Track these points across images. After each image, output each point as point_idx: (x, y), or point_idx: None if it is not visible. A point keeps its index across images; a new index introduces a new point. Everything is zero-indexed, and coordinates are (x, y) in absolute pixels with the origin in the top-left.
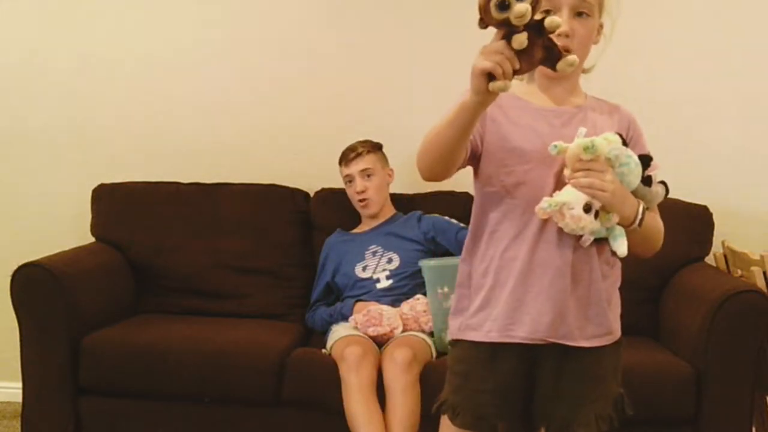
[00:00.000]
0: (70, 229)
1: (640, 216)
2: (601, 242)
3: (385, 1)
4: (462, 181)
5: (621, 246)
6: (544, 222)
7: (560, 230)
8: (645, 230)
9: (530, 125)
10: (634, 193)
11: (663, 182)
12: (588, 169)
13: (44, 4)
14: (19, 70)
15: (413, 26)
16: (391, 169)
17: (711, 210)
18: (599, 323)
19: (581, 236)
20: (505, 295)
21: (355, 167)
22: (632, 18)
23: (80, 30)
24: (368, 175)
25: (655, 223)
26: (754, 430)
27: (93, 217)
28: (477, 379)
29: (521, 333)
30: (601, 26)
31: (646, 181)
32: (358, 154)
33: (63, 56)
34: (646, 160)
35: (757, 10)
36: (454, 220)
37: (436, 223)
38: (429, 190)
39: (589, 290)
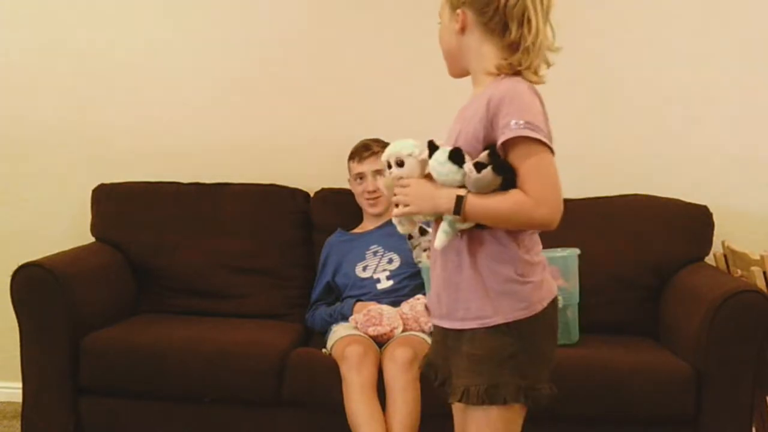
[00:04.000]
0: (70, 229)
1: (453, 207)
2: (472, 231)
3: (386, 1)
4: None
5: (436, 240)
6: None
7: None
8: (484, 213)
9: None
10: (472, 184)
11: (490, 163)
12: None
13: (44, 4)
14: (19, 70)
15: (415, 26)
16: None
17: (711, 210)
18: (467, 308)
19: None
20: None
21: (369, 166)
22: (632, 16)
23: (80, 30)
24: (381, 175)
25: (494, 203)
26: (754, 430)
27: (93, 217)
28: None
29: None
30: (459, 14)
31: (479, 167)
32: (374, 153)
33: (63, 56)
34: (453, 153)
35: (758, 9)
36: None
37: None
38: None
39: (457, 276)
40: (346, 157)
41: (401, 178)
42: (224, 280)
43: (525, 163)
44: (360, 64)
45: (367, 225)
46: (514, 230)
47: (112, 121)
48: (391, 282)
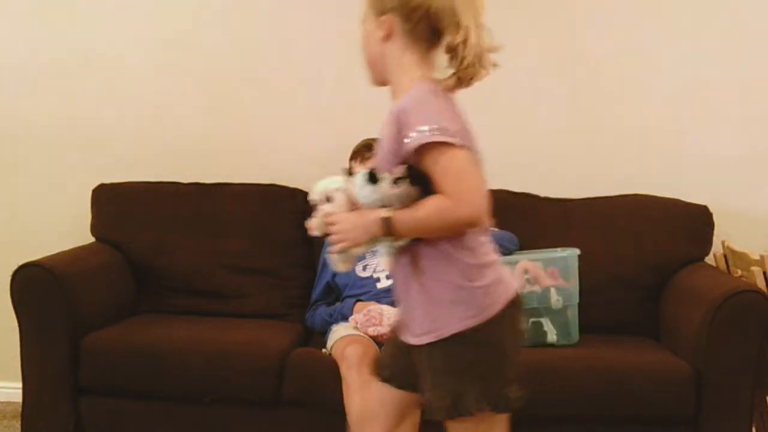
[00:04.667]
0: (70, 229)
1: (382, 229)
2: (411, 245)
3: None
4: None
5: (384, 265)
6: None
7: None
8: (414, 226)
9: None
10: (391, 201)
11: (407, 176)
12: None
13: (44, 4)
14: (19, 69)
15: None
16: None
17: (711, 210)
18: (421, 322)
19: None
20: None
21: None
22: (632, 16)
23: (80, 30)
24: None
25: (419, 214)
26: (754, 430)
27: (93, 217)
28: None
29: None
30: (385, 20)
31: (397, 182)
32: (376, 153)
33: (63, 56)
34: (369, 174)
35: (758, 9)
36: None
37: None
38: None
39: (406, 292)
40: (347, 157)
41: (331, 214)
42: (224, 280)
43: (437, 168)
44: (361, 64)
45: None
46: (453, 235)
47: (112, 121)
48: (390, 281)
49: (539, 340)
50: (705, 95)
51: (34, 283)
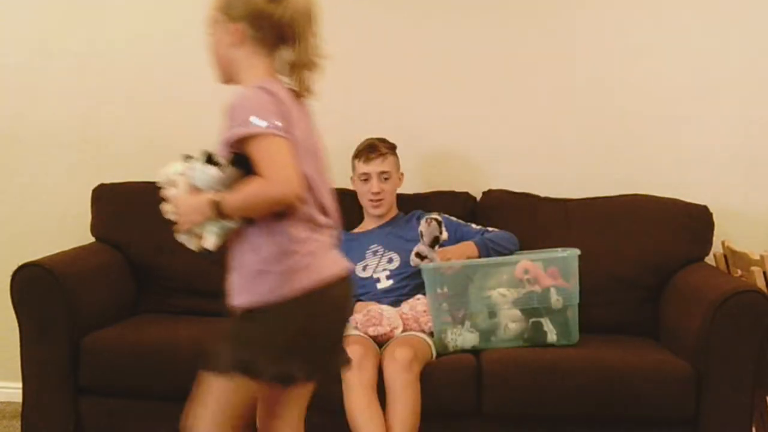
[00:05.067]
0: (70, 229)
1: (213, 210)
2: (240, 227)
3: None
4: (463, 180)
5: (206, 242)
6: None
7: None
8: (238, 206)
9: None
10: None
11: (231, 162)
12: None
13: (44, 4)
14: (20, 70)
15: (420, 26)
16: (402, 173)
17: (711, 210)
18: (233, 287)
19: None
20: None
21: (375, 167)
22: (631, 16)
23: (81, 30)
24: (386, 178)
25: (242, 195)
26: (754, 430)
27: (93, 217)
28: None
29: None
30: (235, 28)
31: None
32: (381, 155)
33: (63, 56)
34: (207, 158)
35: (758, 9)
36: (474, 225)
37: (456, 229)
38: (429, 190)
39: (232, 263)
40: (345, 157)
41: (173, 198)
42: (224, 280)
43: (256, 154)
44: (363, 63)
45: (368, 224)
46: (269, 220)
47: (112, 121)
48: (390, 281)
49: (539, 340)
50: (705, 95)
51: (34, 283)
